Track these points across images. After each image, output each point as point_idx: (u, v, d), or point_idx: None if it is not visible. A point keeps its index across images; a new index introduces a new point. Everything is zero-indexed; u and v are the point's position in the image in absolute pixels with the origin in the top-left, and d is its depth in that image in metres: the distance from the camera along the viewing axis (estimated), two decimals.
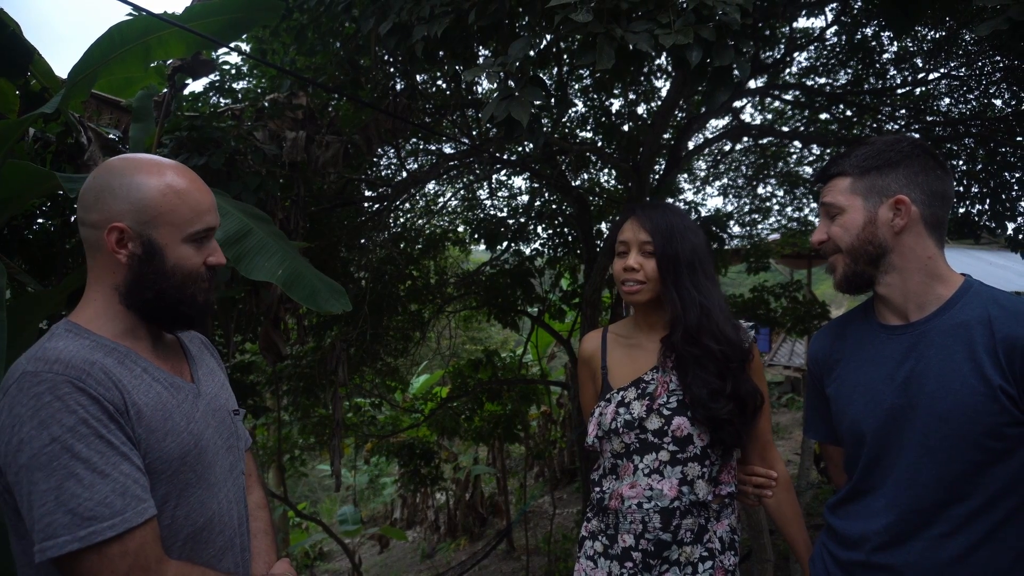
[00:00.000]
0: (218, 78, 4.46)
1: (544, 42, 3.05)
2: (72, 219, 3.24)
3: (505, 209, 7.13)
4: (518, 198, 7.18)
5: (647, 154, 4.39)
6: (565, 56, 4.05)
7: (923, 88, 5.23)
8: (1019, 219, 4.88)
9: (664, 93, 5.53)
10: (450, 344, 9.10)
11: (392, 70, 4.04)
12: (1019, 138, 4.71)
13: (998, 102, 5.15)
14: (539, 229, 6.61)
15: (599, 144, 5.87)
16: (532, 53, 2.52)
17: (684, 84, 3.66)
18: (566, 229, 6.34)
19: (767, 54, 4.85)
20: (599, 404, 1.60)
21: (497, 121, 2.17)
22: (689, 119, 5.37)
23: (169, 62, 3.20)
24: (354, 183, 5.34)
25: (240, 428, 1.31)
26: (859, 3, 4.55)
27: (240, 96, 4.50)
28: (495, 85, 2.31)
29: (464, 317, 8.28)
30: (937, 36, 4.83)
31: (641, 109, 5.89)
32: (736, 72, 2.04)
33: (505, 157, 5.58)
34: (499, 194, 7.17)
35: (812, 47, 5.26)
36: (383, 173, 6.00)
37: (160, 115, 3.16)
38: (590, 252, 5.48)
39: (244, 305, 3.99)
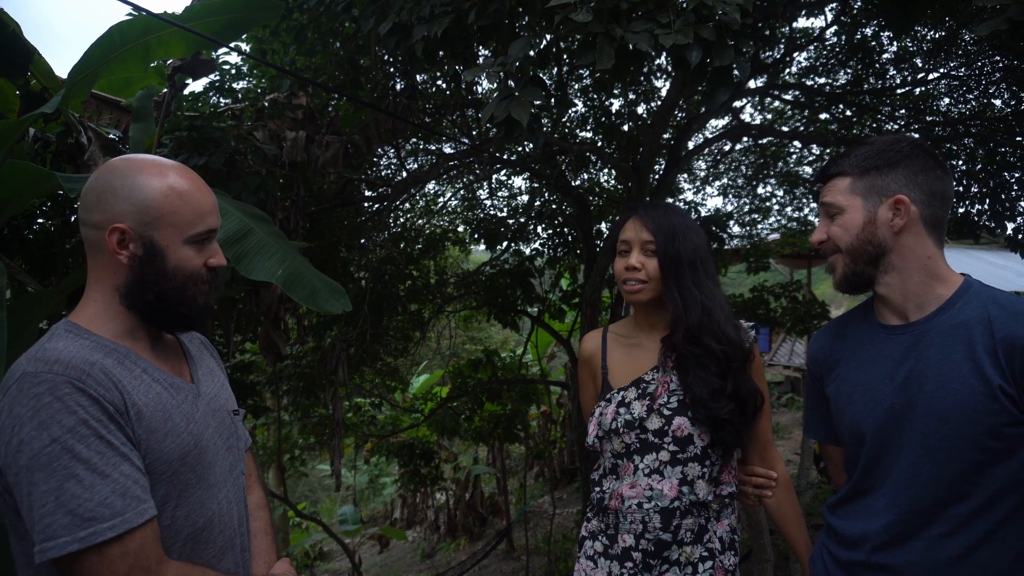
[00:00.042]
0: (218, 78, 4.46)
1: (544, 42, 3.05)
2: (72, 219, 3.24)
3: (505, 209, 7.13)
4: (518, 198, 7.19)
5: (647, 154, 4.39)
6: (565, 56, 4.06)
7: (923, 88, 5.23)
8: (1019, 219, 4.88)
9: (664, 93, 5.52)
10: (450, 344, 9.11)
11: (392, 70, 4.04)
12: (1019, 138, 4.71)
13: (998, 102, 5.15)
14: (539, 229, 6.62)
15: (599, 144, 5.87)
16: (532, 53, 2.52)
17: (684, 84, 3.66)
18: (566, 229, 6.34)
19: (767, 54, 4.85)
20: (599, 404, 1.59)
21: (497, 121, 2.17)
22: (689, 119, 5.37)
23: (169, 62, 3.20)
24: (354, 183, 5.34)
25: (240, 428, 1.31)
26: (859, 3, 4.55)
27: (240, 96, 4.50)
28: (495, 85, 2.31)
29: (464, 317, 8.28)
30: (937, 36, 4.83)
31: (641, 109, 5.89)
32: (736, 72, 2.04)
33: (505, 157, 5.58)
34: (499, 194, 7.18)
35: (812, 47, 5.26)
36: (383, 173, 6.01)
37: (160, 115, 3.16)
38: (590, 252, 5.48)
39: (244, 305, 3.99)
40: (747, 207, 7.80)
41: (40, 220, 3.43)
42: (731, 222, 7.12)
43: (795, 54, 5.20)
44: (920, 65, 5.08)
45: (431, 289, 6.54)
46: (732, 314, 1.58)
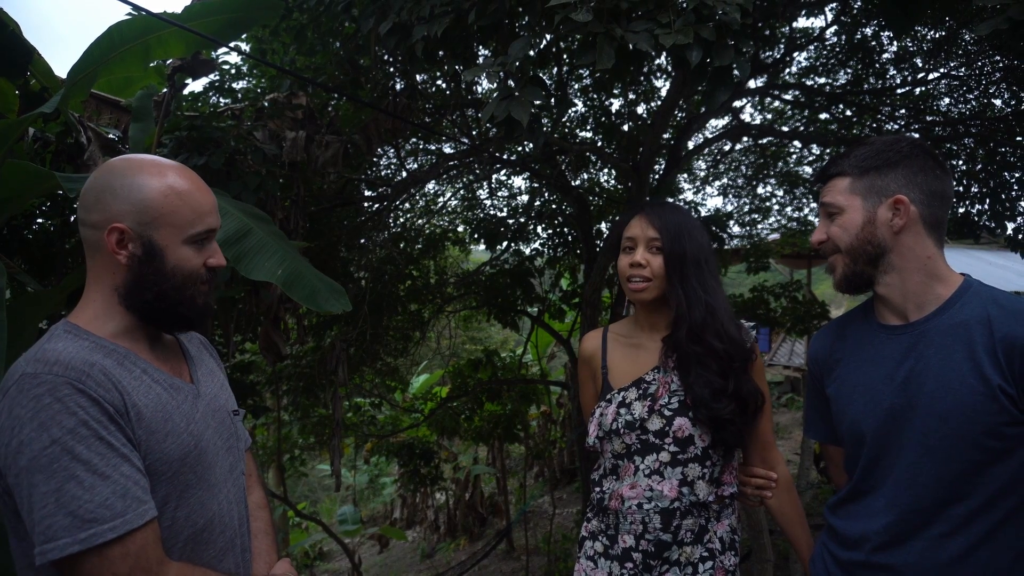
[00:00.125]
0: (218, 78, 4.46)
1: (544, 42, 3.05)
2: (72, 219, 3.24)
3: (505, 209, 7.13)
4: (518, 198, 7.18)
5: (647, 154, 4.39)
6: (565, 56, 4.05)
7: (923, 88, 5.23)
8: (1019, 219, 4.88)
9: (664, 93, 5.53)
10: (450, 344, 9.11)
11: (392, 70, 4.04)
12: (1019, 138, 4.71)
13: (998, 102, 5.15)
14: (539, 229, 6.62)
15: (599, 144, 5.87)
16: (532, 53, 2.52)
17: (684, 84, 3.66)
18: (566, 229, 6.34)
19: (767, 54, 4.85)
20: (600, 404, 1.59)
21: (497, 121, 2.17)
22: (689, 119, 5.37)
23: (169, 62, 3.20)
24: (354, 183, 5.33)
25: (240, 428, 1.31)
26: (859, 3, 4.56)
27: (240, 96, 4.50)
28: (495, 85, 2.31)
29: (464, 317, 8.28)
30: (937, 36, 4.83)
31: (641, 109, 5.89)
32: (736, 72, 2.04)
33: (505, 157, 5.58)
34: (499, 194, 7.18)
35: (812, 47, 5.26)
36: (383, 173, 6.00)
37: (160, 115, 3.15)
38: (590, 252, 5.48)
39: (244, 305, 3.98)
40: (747, 207, 7.80)
41: (40, 220, 3.43)
42: (731, 222, 7.13)
43: (795, 54, 5.20)
44: (920, 65, 5.08)
45: (431, 289, 6.54)
46: (734, 314, 1.59)
